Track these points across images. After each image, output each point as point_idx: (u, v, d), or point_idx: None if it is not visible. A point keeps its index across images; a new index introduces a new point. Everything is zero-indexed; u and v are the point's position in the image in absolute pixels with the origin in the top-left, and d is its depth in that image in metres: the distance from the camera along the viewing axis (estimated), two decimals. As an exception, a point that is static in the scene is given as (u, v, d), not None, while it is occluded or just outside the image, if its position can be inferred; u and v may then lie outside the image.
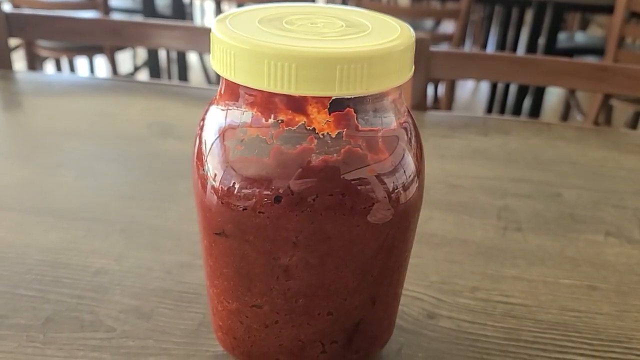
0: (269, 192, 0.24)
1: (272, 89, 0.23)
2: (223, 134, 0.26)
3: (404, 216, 0.27)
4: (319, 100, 0.24)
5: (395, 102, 0.26)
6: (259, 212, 0.25)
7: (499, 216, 0.48)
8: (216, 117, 0.26)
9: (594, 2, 1.85)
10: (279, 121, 0.24)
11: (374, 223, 0.26)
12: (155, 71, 2.11)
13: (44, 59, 2.09)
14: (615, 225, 0.47)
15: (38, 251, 0.41)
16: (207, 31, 0.81)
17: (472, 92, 2.85)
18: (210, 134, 0.26)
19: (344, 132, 0.24)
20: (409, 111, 0.28)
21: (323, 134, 0.24)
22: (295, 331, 0.28)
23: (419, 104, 0.70)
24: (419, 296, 0.38)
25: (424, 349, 0.34)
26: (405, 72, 0.25)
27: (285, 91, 0.23)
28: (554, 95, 2.65)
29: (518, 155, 0.60)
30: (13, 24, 0.79)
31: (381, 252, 0.27)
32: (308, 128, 0.24)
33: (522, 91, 2.00)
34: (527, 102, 2.00)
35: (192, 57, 2.62)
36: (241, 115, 0.25)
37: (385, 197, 0.25)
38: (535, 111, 1.99)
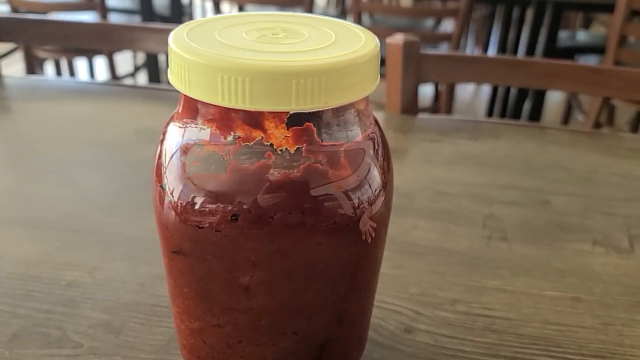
0: (226, 210, 0.23)
1: (226, 104, 0.22)
2: (181, 150, 0.25)
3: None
4: (276, 115, 0.23)
5: (361, 113, 0.25)
6: (216, 231, 0.24)
7: (484, 224, 0.47)
8: (175, 133, 0.25)
9: (594, 1, 1.83)
10: (236, 137, 0.23)
11: (337, 241, 0.25)
12: (154, 72, 2.10)
13: (43, 60, 2.09)
14: (604, 233, 0.46)
15: (10, 263, 0.40)
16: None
17: (473, 93, 2.83)
18: (168, 149, 0.25)
19: (303, 148, 0.23)
20: (376, 121, 0.27)
21: (282, 150, 0.23)
22: (260, 351, 0.27)
23: (409, 108, 0.69)
24: (397, 309, 0.37)
25: (399, 365, 0.33)
26: (369, 84, 0.24)
27: (240, 106, 0.22)
28: (556, 96, 2.63)
29: (508, 161, 0.59)
30: (2, 29, 0.78)
31: (346, 270, 0.26)
32: (266, 144, 0.23)
33: (523, 92, 1.98)
34: (528, 103, 1.99)
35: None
36: (198, 132, 0.24)
37: (348, 214, 0.24)
38: (537, 112, 1.97)
